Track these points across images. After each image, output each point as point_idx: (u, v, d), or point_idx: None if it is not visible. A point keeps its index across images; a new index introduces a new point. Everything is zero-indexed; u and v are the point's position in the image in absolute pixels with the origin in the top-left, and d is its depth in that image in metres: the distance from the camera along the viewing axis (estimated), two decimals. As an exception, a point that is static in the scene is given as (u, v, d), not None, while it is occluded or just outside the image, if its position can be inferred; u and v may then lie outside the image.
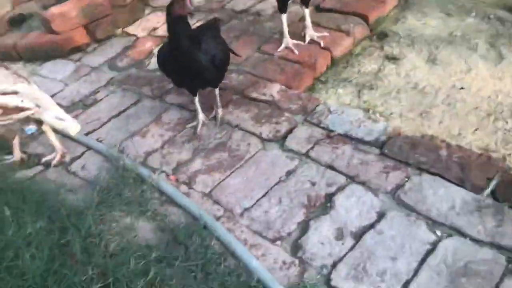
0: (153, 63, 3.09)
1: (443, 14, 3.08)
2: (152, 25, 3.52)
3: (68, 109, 2.75)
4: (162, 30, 3.42)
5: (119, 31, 3.51)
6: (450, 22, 3.01)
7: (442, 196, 1.87)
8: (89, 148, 2.48)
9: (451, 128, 2.32)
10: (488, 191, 1.85)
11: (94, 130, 2.61)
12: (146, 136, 2.50)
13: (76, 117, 2.65)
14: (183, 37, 2.16)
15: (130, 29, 3.53)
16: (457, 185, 1.90)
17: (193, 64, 2.21)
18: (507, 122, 2.28)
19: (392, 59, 2.80)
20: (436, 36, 2.90)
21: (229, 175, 2.18)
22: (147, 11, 3.72)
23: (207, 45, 2.26)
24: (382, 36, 2.97)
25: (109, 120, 2.66)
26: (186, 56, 2.19)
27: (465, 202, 1.83)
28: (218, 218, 1.99)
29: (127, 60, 3.19)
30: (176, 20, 2.13)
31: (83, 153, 2.47)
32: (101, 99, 2.85)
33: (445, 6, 3.15)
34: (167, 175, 2.25)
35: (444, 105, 2.45)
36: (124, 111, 2.70)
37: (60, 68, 3.29)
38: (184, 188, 2.17)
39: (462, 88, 2.53)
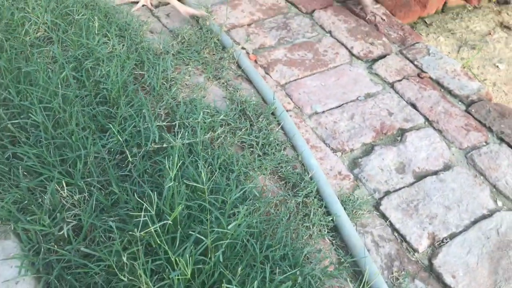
0: None
1: None
2: None
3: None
4: None
5: None
6: None
7: (515, 172, 1.81)
8: (178, -1, 2.41)
9: (540, 116, 2.20)
10: None
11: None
12: (236, 9, 2.41)
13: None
14: None
15: None
16: (534, 167, 1.84)
17: None
18: None
19: (506, 27, 2.61)
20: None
21: (308, 76, 2.12)
22: None
23: None
24: (503, 1, 2.75)
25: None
26: None
27: (536, 185, 1.78)
28: (287, 111, 1.95)
29: None
30: None
31: (168, 3, 2.40)
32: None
33: None
34: (248, 53, 2.19)
35: (541, 92, 2.32)
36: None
37: None
38: (261, 71, 2.12)
39: None
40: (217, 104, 1.89)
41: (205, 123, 1.70)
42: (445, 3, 2.62)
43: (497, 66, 2.41)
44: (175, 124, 1.67)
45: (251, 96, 1.97)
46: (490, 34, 2.56)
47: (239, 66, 2.11)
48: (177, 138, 1.42)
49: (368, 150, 1.86)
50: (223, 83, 2.01)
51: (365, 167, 1.79)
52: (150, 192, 1.19)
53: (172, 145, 1.40)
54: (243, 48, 2.22)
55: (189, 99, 1.84)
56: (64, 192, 1.28)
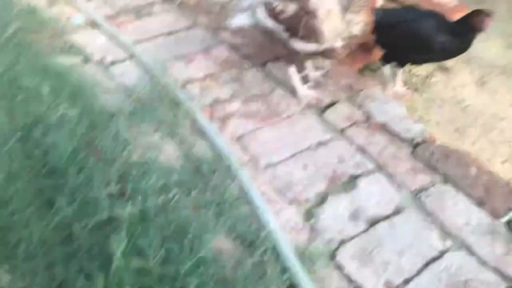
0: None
1: (504, 45, 3.06)
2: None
3: (119, 13, 2.71)
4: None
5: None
6: (508, 54, 2.99)
7: (461, 211, 1.90)
8: (132, 56, 2.46)
9: (482, 152, 2.34)
10: (505, 219, 1.89)
11: (141, 41, 2.57)
12: (191, 63, 2.48)
13: (125, 23, 2.62)
14: None
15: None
16: (478, 205, 1.93)
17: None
18: (537, 164, 2.31)
19: (445, 70, 2.79)
20: (492, 62, 2.88)
21: (262, 127, 2.19)
22: None
23: None
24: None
25: (159, 35, 2.63)
26: None
27: (481, 223, 1.87)
28: (242, 165, 2.00)
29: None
30: None
31: (124, 60, 2.45)
32: (155, 13, 2.80)
33: (508, 38, 3.12)
34: (203, 108, 2.25)
35: (481, 129, 2.47)
36: (175, 32, 2.67)
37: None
38: (216, 125, 2.17)
39: (503, 118, 2.54)
40: (171, 163, 1.92)
41: (158, 185, 1.72)
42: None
43: (440, 107, 2.56)
44: (127, 189, 1.68)
45: (207, 152, 2.01)
46: (431, 76, 2.72)
47: (194, 122, 2.15)
48: (128, 206, 1.43)
49: (323, 199, 1.91)
50: (178, 141, 2.05)
51: (320, 217, 1.84)
52: (97, 271, 1.19)
53: (122, 215, 1.41)
54: (198, 103, 2.28)
55: (143, 161, 1.87)
56: (5, 280, 1.26)
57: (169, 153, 1.99)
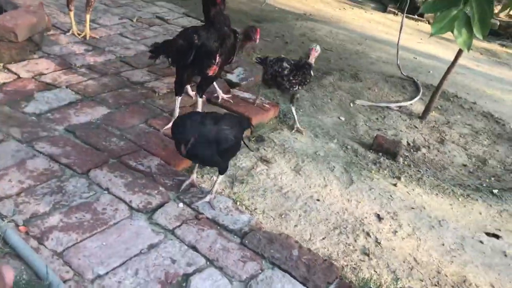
0: (31, 106, 2.93)
1: (312, 135, 3.56)
2: (39, 70, 3.39)
3: None
4: (50, 78, 3.32)
5: (0, 65, 3.29)
6: (316, 143, 3.48)
7: (289, 292, 2.03)
8: None
9: (304, 233, 2.58)
10: (326, 293, 2.07)
11: None
12: (2, 179, 2.29)
13: None
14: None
15: (14, 67, 3.35)
16: (302, 283, 2.09)
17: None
18: (348, 237, 2.62)
19: (265, 161, 3.09)
20: (303, 151, 3.31)
21: (88, 238, 2.08)
22: (37, 55, 3.59)
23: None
24: (260, 140, 3.29)
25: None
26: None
27: (306, 300, 2.01)
28: (65, 281, 1.85)
29: (2, 96, 2.97)
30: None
31: None
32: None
33: (314, 129, 3.65)
34: (17, 225, 2.06)
35: (301, 211, 2.75)
36: (-18, 149, 2.47)
37: None
38: (34, 242, 2.00)
39: (318, 200, 2.88)
40: (-24, 294, 1.67)
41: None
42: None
43: (263, 195, 2.79)
44: None
45: (21, 275, 1.82)
46: (253, 168, 2.99)
47: (6, 243, 1.94)
48: None
49: (156, 304, 1.85)
50: (-15, 267, 1.81)
51: (153, 325, 1.76)
52: None
53: None
54: (11, 221, 2.08)
55: None
56: None
57: (-27, 283, 1.73)
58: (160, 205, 2.35)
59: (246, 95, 3.66)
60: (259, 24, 5.86)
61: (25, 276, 1.81)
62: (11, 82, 3.16)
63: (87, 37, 4.06)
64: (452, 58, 4.12)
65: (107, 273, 1.94)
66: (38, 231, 2.06)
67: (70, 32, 4.07)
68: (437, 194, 3.18)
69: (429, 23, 7.50)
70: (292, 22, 6.29)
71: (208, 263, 2.09)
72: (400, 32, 5.10)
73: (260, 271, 2.10)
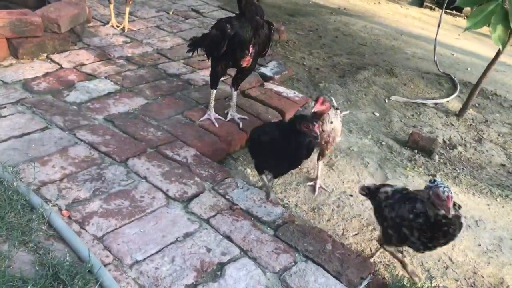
0: (72, 95, 3.03)
1: (346, 130, 3.53)
2: (80, 60, 3.49)
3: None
4: (90, 69, 3.41)
5: (43, 55, 3.41)
6: (350, 138, 3.45)
7: (322, 285, 2.03)
8: (-23, 161, 2.28)
9: (337, 227, 2.58)
10: (360, 288, 2.06)
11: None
12: (47, 165, 2.38)
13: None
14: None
15: (56, 57, 3.46)
16: (335, 277, 2.09)
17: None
18: (382, 233, 2.60)
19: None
20: (337, 146, 3.29)
21: (126, 224, 2.14)
22: (78, 46, 3.69)
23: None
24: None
25: (9, 139, 2.50)
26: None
27: (340, 294, 2.01)
28: (105, 265, 1.91)
29: (45, 85, 3.08)
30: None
31: (-32, 165, 2.26)
32: (5, 116, 2.67)
33: (348, 124, 3.62)
34: (60, 210, 2.14)
35: (334, 206, 2.74)
36: (28, 134, 2.56)
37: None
38: (76, 226, 2.07)
39: (351, 195, 2.86)
40: (24, 273, 1.75)
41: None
42: (247, 140, 3.00)
43: (296, 189, 2.80)
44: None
45: (65, 256, 1.88)
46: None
47: (50, 226, 2.02)
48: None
49: (192, 291, 1.89)
50: (31, 247, 1.89)
51: (189, 311, 1.80)
52: None
53: None
54: (55, 205, 2.16)
55: (-11, 274, 1.67)
56: None
57: (22, 260, 1.82)
58: (196, 195, 2.40)
59: (280, 89, 3.66)
60: (292, 18, 5.85)
61: (69, 258, 1.87)
62: (53, 72, 3.27)
63: (126, 29, 4.15)
64: (490, 55, 4.00)
65: (144, 259, 1.99)
66: (80, 216, 2.13)
67: (110, 24, 4.16)
68: (474, 193, 3.11)
69: (467, 18, 7.30)
70: (326, 16, 6.24)
71: (242, 253, 2.12)
72: (438, 28, 4.99)
73: (293, 263, 2.12)
